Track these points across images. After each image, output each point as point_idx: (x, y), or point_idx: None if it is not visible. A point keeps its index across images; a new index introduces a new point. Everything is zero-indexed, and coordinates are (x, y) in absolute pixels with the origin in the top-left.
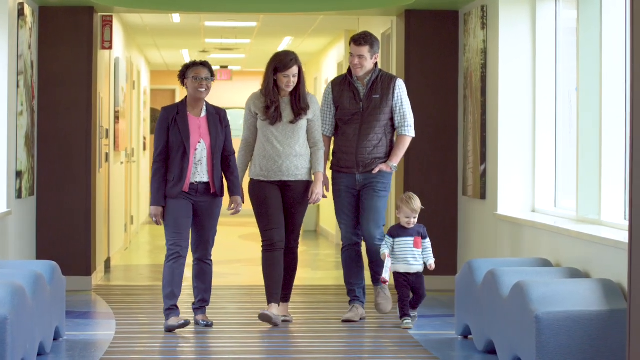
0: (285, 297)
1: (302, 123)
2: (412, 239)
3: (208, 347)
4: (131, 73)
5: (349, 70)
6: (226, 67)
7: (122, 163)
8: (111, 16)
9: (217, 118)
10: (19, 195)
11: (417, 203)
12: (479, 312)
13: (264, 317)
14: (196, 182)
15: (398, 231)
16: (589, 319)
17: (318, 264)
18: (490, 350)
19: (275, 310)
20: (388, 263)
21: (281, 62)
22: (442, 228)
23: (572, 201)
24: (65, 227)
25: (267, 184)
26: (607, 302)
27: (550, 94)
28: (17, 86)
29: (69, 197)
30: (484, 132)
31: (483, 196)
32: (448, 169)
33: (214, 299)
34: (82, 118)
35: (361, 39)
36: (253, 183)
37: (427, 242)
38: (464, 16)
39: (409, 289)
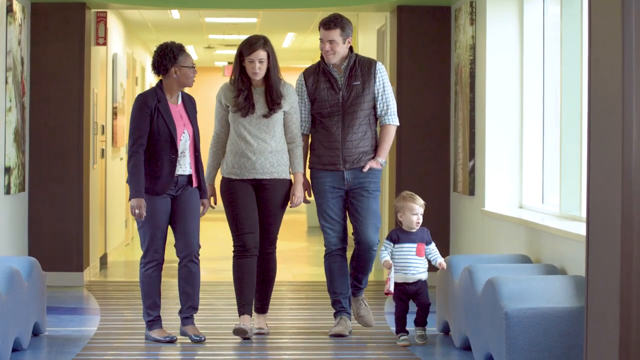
0: (262, 309)
1: (278, 116)
2: (415, 245)
3: (189, 343)
4: (133, 69)
5: (322, 57)
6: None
7: (121, 159)
8: (105, 12)
9: (192, 105)
10: (8, 191)
11: (419, 198)
12: (456, 308)
13: (238, 332)
14: (177, 175)
15: (400, 235)
16: (559, 316)
17: (318, 260)
18: (467, 347)
19: (247, 322)
20: (392, 273)
21: (245, 45)
22: (433, 224)
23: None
24: (57, 223)
25: (239, 182)
26: (577, 298)
27: (538, 89)
28: (6, 82)
29: (61, 193)
30: (473, 128)
31: (472, 192)
32: (440, 165)
33: (202, 295)
34: (74, 114)
35: (330, 22)
36: (224, 182)
37: (432, 246)
38: (455, 12)
39: (407, 302)
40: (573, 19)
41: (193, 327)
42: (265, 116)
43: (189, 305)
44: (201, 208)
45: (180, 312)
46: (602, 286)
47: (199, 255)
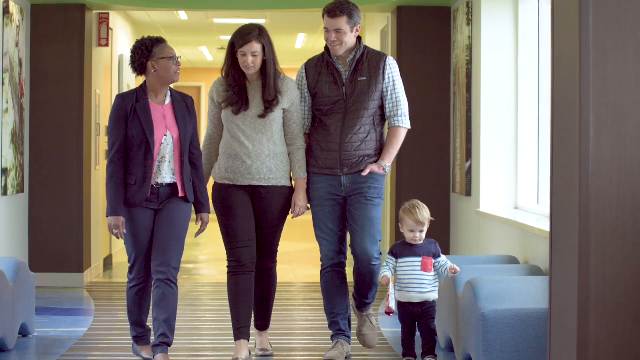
0: (264, 325)
1: (276, 115)
2: (420, 259)
3: (178, 344)
4: None
5: (327, 48)
6: None
7: None
8: (107, 14)
9: (184, 105)
10: (5, 192)
11: (423, 213)
12: (440, 309)
13: None
14: (157, 183)
15: (402, 249)
16: (536, 317)
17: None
18: (451, 347)
19: (244, 348)
20: (392, 289)
21: (237, 36)
22: (434, 226)
23: None
24: (57, 224)
25: (233, 189)
26: None
27: (533, 90)
28: (2, 84)
29: (61, 195)
30: (470, 129)
31: (468, 193)
32: (440, 165)
33: (198, 295)
34: (74, 115)
35: (336, 9)
36: (216, 188)
37: (442, 259)
38: (454, 12)
39: (413, 325)
40: None
41: (164, 355)
42: (261, 116)
43: (161, 332)
44: (199, 224)
45: (152, 343)
46: (562, 287)
47: (176, 277)
